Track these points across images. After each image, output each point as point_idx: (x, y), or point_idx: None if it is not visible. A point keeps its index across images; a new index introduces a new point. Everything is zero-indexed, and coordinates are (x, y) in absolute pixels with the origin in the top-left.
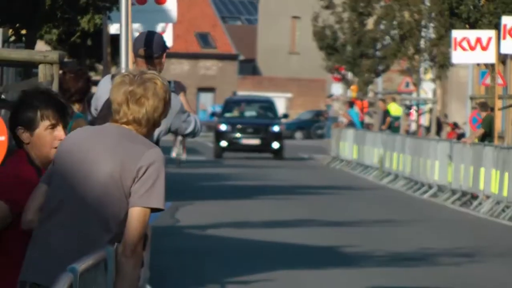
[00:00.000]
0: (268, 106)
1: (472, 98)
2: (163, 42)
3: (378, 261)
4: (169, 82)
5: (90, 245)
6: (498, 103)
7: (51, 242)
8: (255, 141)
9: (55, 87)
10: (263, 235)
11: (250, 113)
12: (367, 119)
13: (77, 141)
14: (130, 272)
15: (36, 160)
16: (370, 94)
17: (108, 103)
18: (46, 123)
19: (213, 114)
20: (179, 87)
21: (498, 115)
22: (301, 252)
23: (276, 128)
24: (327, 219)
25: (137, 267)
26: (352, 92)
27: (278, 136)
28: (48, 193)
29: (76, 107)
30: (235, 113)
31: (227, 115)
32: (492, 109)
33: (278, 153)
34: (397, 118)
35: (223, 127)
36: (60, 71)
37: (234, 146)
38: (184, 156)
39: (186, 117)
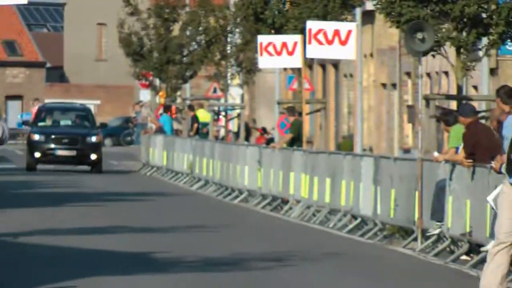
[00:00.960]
0: (85, 114)
1: (279, 103)
2: None
3: (188, 267)
4: None
5: None
6: (306, 108)
7: None
8: (71, 153)
9: None
10: (73, 242)
11: (65, 122)
12: (175, 125)
13: None
14: None
15: None
16: (178, 100)
17: None
18: None
19: (24, 123)
20: None
21: (306, 120)
22: (109, 259)
23: (94, 139)
24: (138, 226)
25: None
26: (160, 98)
27: (96, 147)
28: None
29: None
30: (49, 121)
31: (41, 124)
32: (300, 114)
33: (95, 166)
34: (205, 124)
35: (36, 137)
36: None
37: (48, 157)
38: None
39: None
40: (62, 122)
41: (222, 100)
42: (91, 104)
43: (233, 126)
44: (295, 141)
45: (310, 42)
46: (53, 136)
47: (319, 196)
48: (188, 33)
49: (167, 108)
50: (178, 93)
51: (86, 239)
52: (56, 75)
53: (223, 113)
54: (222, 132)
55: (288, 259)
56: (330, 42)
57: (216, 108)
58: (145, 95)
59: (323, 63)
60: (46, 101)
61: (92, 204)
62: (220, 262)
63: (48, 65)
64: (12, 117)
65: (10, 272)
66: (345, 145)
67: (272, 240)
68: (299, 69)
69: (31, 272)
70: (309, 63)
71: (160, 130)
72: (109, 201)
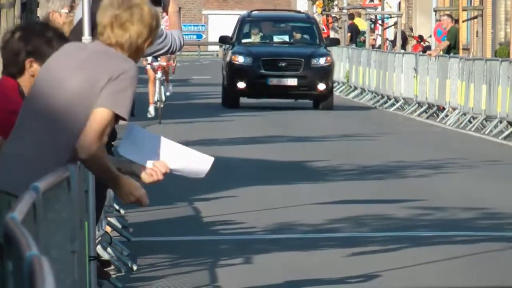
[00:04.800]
0: (308, 27)
1: (436, 11)
2: None
3: (344, 175)
4: None
5: (52, 154)
6: (463, 15)
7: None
8: (290, 82)
9: (17, 8)
10: (230, 152)
11: (280, 37)
12: (332, 34)
13: (53, 59)
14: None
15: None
16: (335, 10)
17: (74, 31)
18: None
19: (221, 40)
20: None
21: (463, 27)
22: (267, 168)
23: (322, 61)
24: (295, 135)
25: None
26: (317, 8)
27: (325, 74)
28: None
29: None
30: (256, 38)
31: (245, 41)
32: (457, 21)
33: (323, 100)
34: (362, 33)
35: (239, 59)
36: None
37: (257, 89)
38: (169, 89)
39: (163, 39)
40: (276, 38)
41: (379, 9)
42: None
43: (389, 34)
44: (452, 48)
45: None
46: (263, 59)
47: (475, 103)
48: None
49: None
50: (335, 2)
51: (241, 149)
52: None
53: (379, 22)
54: (379, 41)
55: (445, 166)
56: None
57: (373, 17)
58: (302, 5)
59: None
60: (204, 12)
61: (251, 114)
62: (377, 171)
63: None
64: None
65: (169, 181)
66: (502, 51)
67: (428, 147)
68: None
69: (189, 182)
70: None
71: None
72: (268, 111)
